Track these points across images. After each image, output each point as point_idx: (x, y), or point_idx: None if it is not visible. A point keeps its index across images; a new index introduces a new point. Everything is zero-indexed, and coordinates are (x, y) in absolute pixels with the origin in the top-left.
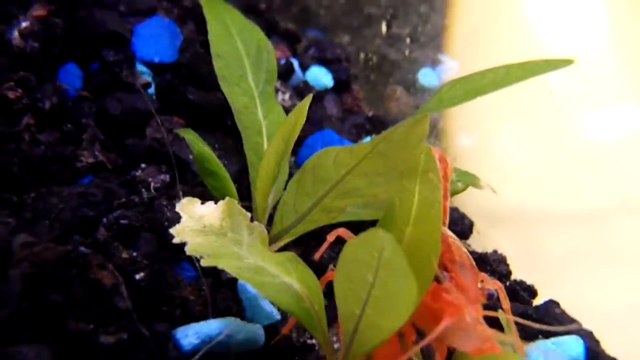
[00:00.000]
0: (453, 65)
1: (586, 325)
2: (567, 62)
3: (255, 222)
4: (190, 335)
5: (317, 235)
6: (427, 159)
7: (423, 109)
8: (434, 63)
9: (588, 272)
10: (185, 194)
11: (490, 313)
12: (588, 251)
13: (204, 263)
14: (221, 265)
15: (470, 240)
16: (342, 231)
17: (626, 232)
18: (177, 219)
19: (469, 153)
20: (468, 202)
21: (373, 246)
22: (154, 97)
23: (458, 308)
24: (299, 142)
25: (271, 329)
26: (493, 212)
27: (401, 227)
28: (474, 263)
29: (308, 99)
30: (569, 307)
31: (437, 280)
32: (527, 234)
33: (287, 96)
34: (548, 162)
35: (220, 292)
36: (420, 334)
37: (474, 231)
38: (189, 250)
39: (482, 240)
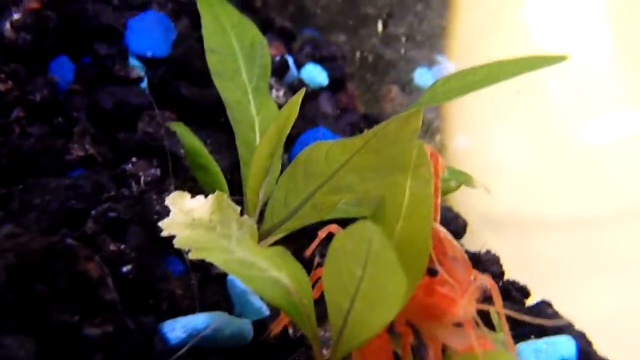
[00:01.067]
0: (450, 66)
1: (579, 328)
2: (560, 58)
3: (245, 217)
4: (177, 328)
5: (309, 233)
6: (419, 155)
7: (416, 104)
8: (430, 63)
9: (581, 276)
10: (176, 188)
11: (484, 307)
12: (582, 255)
13: (192, 256)
14: (209, 258)
15: (463, 240)
16: (333, 227)
17: (620, 237)
18: (166, 212)
19: (464, 154)
20: (463, 203)
21: (361, 238)
22: (147, 91)
23: (452, 301)
24: (293, 140)
25: (260, 324)
26: (487, 214)
27: (392, 222)
28: (466, 257)
29: (300, 93)
30: (562, 309)
31: (430, 274)
32: (522, 237)
33: (281, 93)
34: (544, 165)
35: (209, 287)
36: (414, 331)
37: (468, 231)
38: (177, 243)
39: (476, 241)
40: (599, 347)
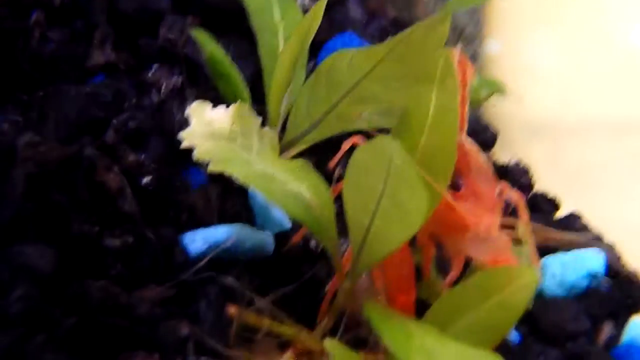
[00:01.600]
0: None
1: (610, 239)
2: None
3: (267, 128)
4: (197, 240)
5: (332, 144)
6: (446, 64)
7: (445, 8)
8: None
9: (617, 185)
10: (197, 98)
11: (508, 220)
12: (619, 165)
13: (211, 168)
14: (229, 170)
15: (494, 151)
16: (358, 139)
17: None
18: (187, 122)
19: (498, 60)
20: (495, 111)
21: (382, 154)
22: None
23: (475, 215)
24: (319, 46)
25: (282, 237)
26: (521, 122)
27: (416, 134)
28: (492, 171)
29: None
30: (594, 221)
31: (454, 188)
32: (558, 143)
33: None
34: (583, 70)
35: (230, 199)
36: (437, 244)
37: (500, 141)
38: (197, 154)
39: (507, 151)
40: (630, 259)
